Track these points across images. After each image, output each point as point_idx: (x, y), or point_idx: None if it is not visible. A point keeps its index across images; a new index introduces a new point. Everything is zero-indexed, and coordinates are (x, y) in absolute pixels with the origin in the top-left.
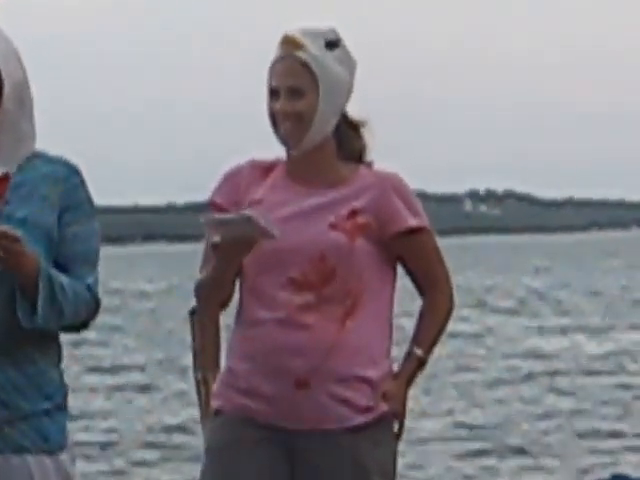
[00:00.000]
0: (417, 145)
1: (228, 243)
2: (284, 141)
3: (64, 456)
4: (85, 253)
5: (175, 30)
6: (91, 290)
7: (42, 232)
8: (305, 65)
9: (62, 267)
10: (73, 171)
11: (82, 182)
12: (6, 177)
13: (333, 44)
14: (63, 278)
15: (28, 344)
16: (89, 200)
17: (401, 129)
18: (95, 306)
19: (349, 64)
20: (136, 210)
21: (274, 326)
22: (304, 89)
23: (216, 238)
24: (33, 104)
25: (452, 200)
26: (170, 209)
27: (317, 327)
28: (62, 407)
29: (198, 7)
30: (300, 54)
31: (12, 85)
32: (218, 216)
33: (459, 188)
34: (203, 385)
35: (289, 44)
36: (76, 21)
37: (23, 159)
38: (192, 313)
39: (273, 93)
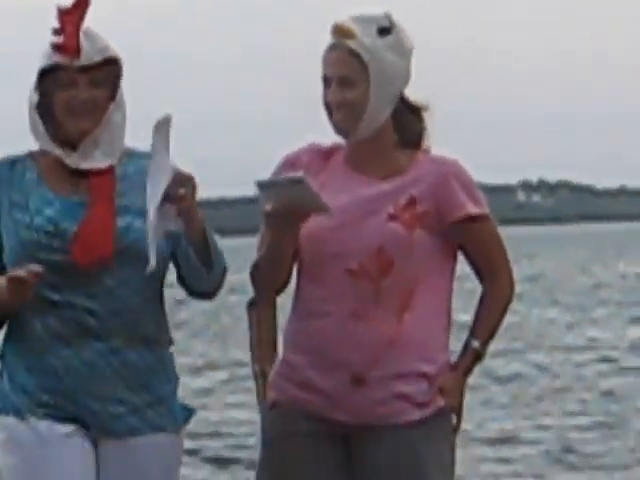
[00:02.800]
0: (468, 135)
1: (280, 209)
2: (338, 130)
3: (182, 433)
4: None
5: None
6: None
7: None
8: (355, 54)
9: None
10: None
11: None
12: (110, 170)
13: (386, 30)
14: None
15: (156, 327)
16: None
17: (452, 119)
18: (225, 270)
19: (403, 50)
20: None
21: (331, 319)
22: (355, 79)
23: (267, 206)
24: (125, 101)
25: (505, 190)
26: (221, 203)
27: (375, 320)
28: (177, 388)
29: None
30: (350, 43)
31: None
32: (270, 178)
33: (511, 179)
34: (261, 377)
35: (340, 33)
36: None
37: (120, 153)
38: (250, 304)
39: (326, 82)
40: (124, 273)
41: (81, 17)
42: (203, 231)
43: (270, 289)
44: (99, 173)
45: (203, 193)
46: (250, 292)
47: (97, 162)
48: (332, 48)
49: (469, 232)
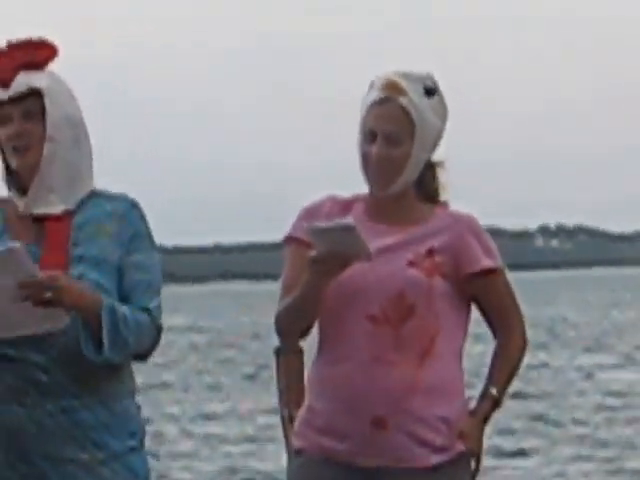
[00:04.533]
0: (487, 181)
1: (327, 256)
2: (372, 183)
3: None
4: (147, 280)
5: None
6: (151, 314)
7: (112, 268)
8: (406, 112)
9: (126, 295)
10: (133, 205)
11: (142, 216)
12: (67, 215)
13: (432, 91)
14: (125, 309)
15: (111, 380)
16: (149, 233)
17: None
18: (156, 332)
19: (443, 113)
20: (217, 249)
21: (355, 365)
22: (402, 137)
23: (313, 252)
24: (91, 144)
25: (524, 236)
26: (250, 247)
27: (396, 366)
28: (143, 442)
29: None
30: (402, 100)
31: (61, 120)
32: (321, 224)
33: (531, 223)
34: (289, 423)
35: (391, 88)
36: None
37: (82, 197)
38: (277, 352)
39: (369, 135)
40: (77, 325)
41: (30, 58)
42: (97, 316)
43: (296, 337)
44: (56, 219)
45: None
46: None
47: (51, 207)
48: (382, 102)
49: (483, 284)
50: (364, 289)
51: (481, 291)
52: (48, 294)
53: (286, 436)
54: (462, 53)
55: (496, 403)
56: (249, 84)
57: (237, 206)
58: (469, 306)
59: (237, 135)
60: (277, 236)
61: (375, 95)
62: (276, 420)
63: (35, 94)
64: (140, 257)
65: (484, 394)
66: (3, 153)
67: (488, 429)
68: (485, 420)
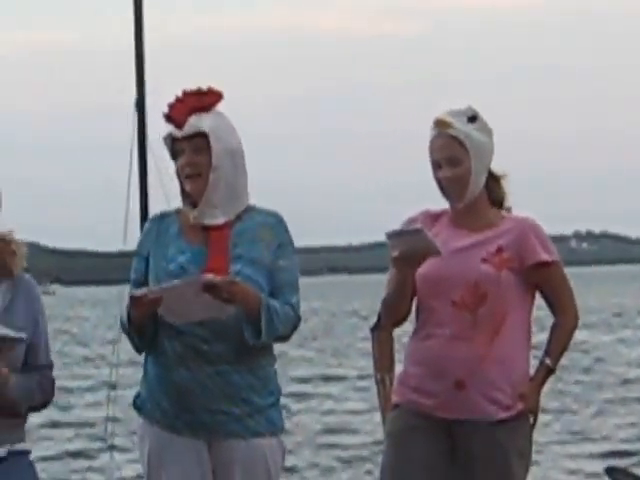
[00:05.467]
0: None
1: (404, 255)
2: (449, 199)
3: (283, 436)
4: (290, 281)
5: None
6: (294, 308)
7: (263, 268)
8: (455, 139)
9: (273, 291)
10: (280, 220)
11: (286, 229)
12: (227, 225)
13: (473, 118)
14: (275, 303)
15: (258, 354)
16: (291, 241)
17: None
18: (297, 321)
19: (488, 131)
20: (323, 250)
21: (441, 339)
22: (460, 157)
23: (394, 253)
24: (246, 168)
25: (561, 239)
26: (349, 249)
27: (473, 341)
28: (279, 399)
29: None
30: (450, 131)
31: (223, 152)
32: (396, 229)
33: (566, 230)
34: (381, 384)
35: (441, 125)
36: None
37: (239, 211)
38: (372, 329)
39: (435, 164)
40: (238, 312)
41: (200, 103)
42: (257, 310)
43: (393, 319)
44: (219, 228)
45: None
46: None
47: (215, 219)
48: (436, 137)
49: (542, 275)
50: (448, 281)
51: (541, 280)
52: (225, 294)
53: (379, 393)
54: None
55: (550, 371)
56: None
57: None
58: (533, 293)
59: None
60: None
61: (432, 133)
62: None
63: (202, 133)
64: (285, 262)
65: (541, 364)
66: (179, 177)
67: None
68: (541, 385)
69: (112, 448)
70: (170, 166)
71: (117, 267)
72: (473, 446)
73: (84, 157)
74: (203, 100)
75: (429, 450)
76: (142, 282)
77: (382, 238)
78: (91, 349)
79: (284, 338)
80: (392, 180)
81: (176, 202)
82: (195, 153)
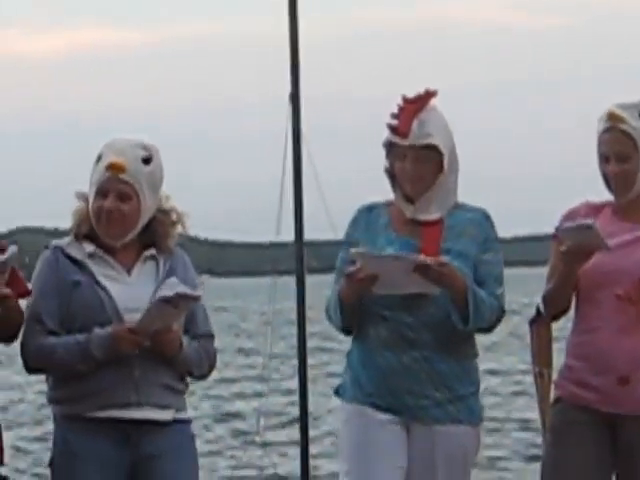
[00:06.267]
0: None
1: (574, 249)
2: (614, 192)
3: (480, 427)
4: (495, 274)
5: None
6: (498, 299)
7: (470, 261)
8: (627, 134)
9: (479, 283)
10: (486, 216)
11: (492, 225)
12: (439, 220)
13: None
14: (482, 292)
15: (462, 343)
16: (496, 237)
17: None
18: (501, 313)
19: None
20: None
21: (604, 334)
22: (629, 153)
23: (563, 247)
24: (458, 167)
25: None
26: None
27: (637, 335)
28: (479, 390)
29: None
30: (622, 126)
31: (446, 154)
32: (569, 224)
33: None
34: (540, 377)
35: (613, 118)
36: None
37: (449, 208)
38: (531, 322)
39: (603, 158)
40: (444, 299)
41: (419, 108)
42: (463, 295)
43: (554, 312)
44: (432, 223)
45: None
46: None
47: (430, 215)
48: (607, 131)
49: None
50: (612, 274)
51: None
52: (435, 274)
53: (537, 387)
54: None
55: None
56: None
57: None
58: None
59: None
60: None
61: (602, 126)
62: None
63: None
64: (490, 256)
65: None
66: (389, 174)
67: None
68: None
69: (264, 445)
70: (320, 158)
71: (268, 258)
72: (636, 441)
73: (237, 150)
74: (421, 104)
75: (591, 444)
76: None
77: (539, 230)
78: (241, 340)
79: (488, 329)
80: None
81: (330, 194)
82: (419, 162)
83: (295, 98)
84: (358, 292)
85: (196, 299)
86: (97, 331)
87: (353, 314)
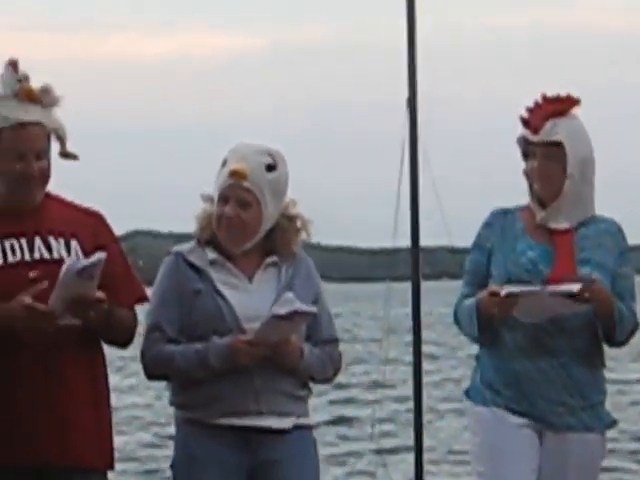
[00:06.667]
0: None
1: None
2: None
3: (605, 435)
4: (629, 287)
5: None
6: (635, 314)
7: (608, 273)
8: None
9: (619, 296)
10: (619, 227)
11: (624, 236)
12: (570, 230)
13: None
14: (622, 306)
15: (596, 353)
16: (628, 248)
17: None
18: (636, 326)
19: None
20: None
21: None
22: None
23: None
24: (594, 178)
25: None
26: None
27: None
28: (605, 399)
29: None
30: None
31: (576, 160)
32: None
33: None
34: None
35: None
36: None
37: (581, 219)
38: None
39: None
40: (588, 313)
41: (557, 110)
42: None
43: None
44: (562, 232)
45: None
46: None
47: (558, 224)
48: None
49: None
50: None
51: None
52: (586, 294)
53: None
54: None
55: None
56: None
57: None
58: None
59: None
60: None
61: None
62: None
63: (557, 143)
64: (625, 269)
65: None
66: (528, 177)
67: None
68: None
69: (379, 451)
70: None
71: (381, 264)
72: None
73: (352, 153)
74: (560, 106)
75: None
76: (479, 273)
77: None
78: (355, 345)
79: (622, 343)
80: None
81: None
82: (547, 159)
83: (412, 102)
84: (499, 315)
85: (311, 315)
86: (215, 341)
87: (488, 326)
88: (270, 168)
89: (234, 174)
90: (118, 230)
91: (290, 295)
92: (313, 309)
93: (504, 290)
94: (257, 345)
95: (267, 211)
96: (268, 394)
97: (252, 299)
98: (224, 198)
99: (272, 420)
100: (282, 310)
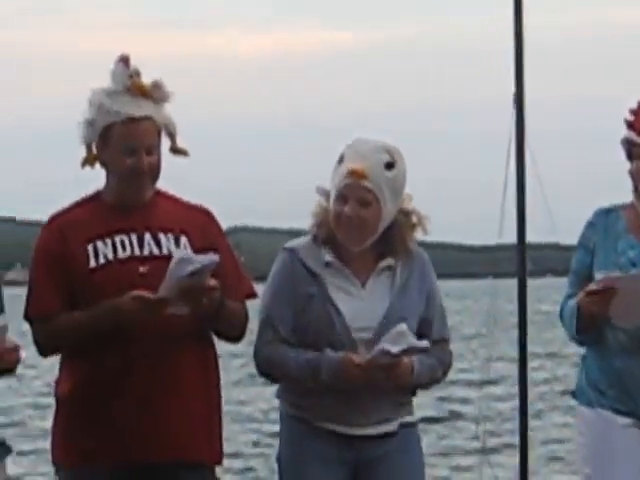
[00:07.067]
0: None
1: None
2: None
3: None
4: None
5: None
6: None
7: None
8: None
9: None
10: None
11: None
12: None
13: None
14: None
15: None
16: None
17: None
18: None
19: None
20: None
21: None
22: None
23: None
24: None
25: None
26: None
27: None
28: None
29: None
30: None
31: None
32: None
33: None
34: None
35: None
36: None
37: None
38: None
39: None
40: None
41: None
42: None
43: None
44: None
45: None
46: None
47: None
48: None
49: None
50: None
51: None
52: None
53: None
54: None
55: None
56: None
57: None
58: None
59: None
60: None
61: None
62: None
63: None
64: None
65: None
66: (633, 177)
67: None
68: None
69: (485, 451)
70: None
71: (486, 260)
72: None
73: (457, 150)
74: None
75: None
76: (583, 273)
77: None
78: (458, 343)
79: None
80: None
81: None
82: None
83: (519, 98)
84: (598, 311)
85: (424, 349)
86: (328, 355)
87: (591, 325)
88: (389, 166)
89: (353, 173)
90: (225, 224)
91: (403, 328)
92: (425, 344)
93: (600, 274)
94: (368, 369)
95: (386, 209)
96: (375, 407)
97: (364, 308)
98: (343, 197)
99: (377, 427)
100: (394, 349)
